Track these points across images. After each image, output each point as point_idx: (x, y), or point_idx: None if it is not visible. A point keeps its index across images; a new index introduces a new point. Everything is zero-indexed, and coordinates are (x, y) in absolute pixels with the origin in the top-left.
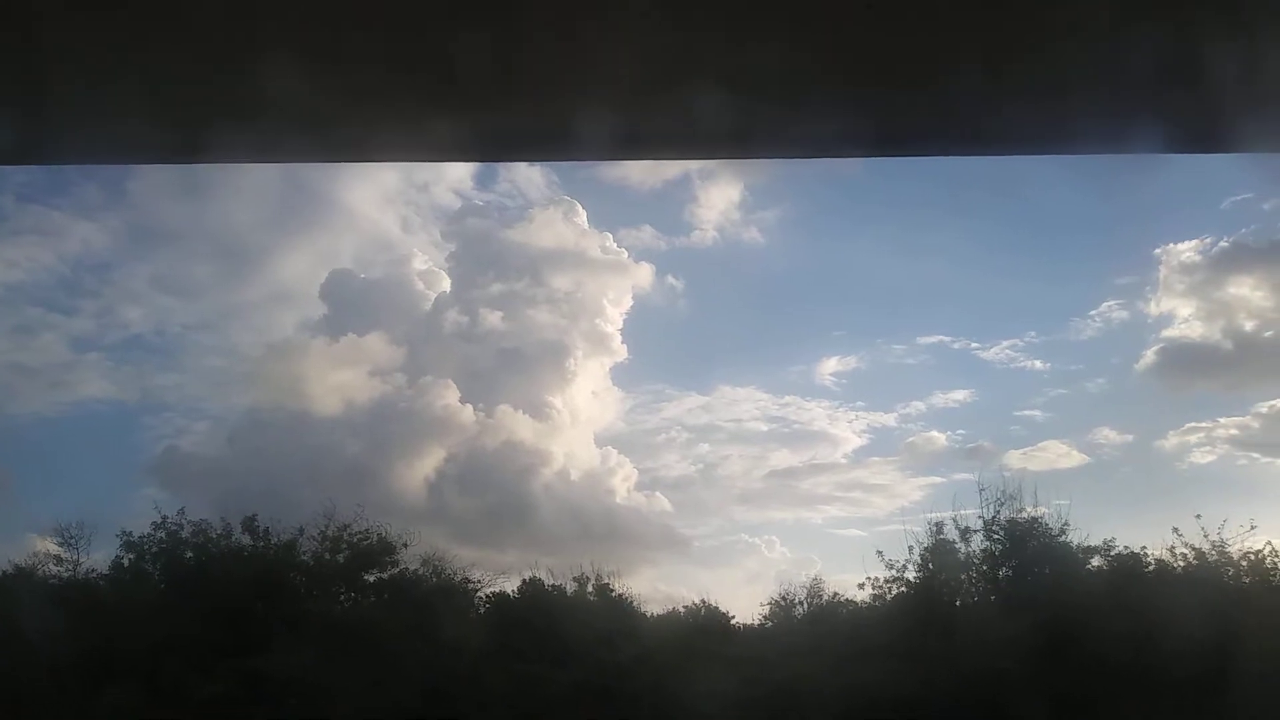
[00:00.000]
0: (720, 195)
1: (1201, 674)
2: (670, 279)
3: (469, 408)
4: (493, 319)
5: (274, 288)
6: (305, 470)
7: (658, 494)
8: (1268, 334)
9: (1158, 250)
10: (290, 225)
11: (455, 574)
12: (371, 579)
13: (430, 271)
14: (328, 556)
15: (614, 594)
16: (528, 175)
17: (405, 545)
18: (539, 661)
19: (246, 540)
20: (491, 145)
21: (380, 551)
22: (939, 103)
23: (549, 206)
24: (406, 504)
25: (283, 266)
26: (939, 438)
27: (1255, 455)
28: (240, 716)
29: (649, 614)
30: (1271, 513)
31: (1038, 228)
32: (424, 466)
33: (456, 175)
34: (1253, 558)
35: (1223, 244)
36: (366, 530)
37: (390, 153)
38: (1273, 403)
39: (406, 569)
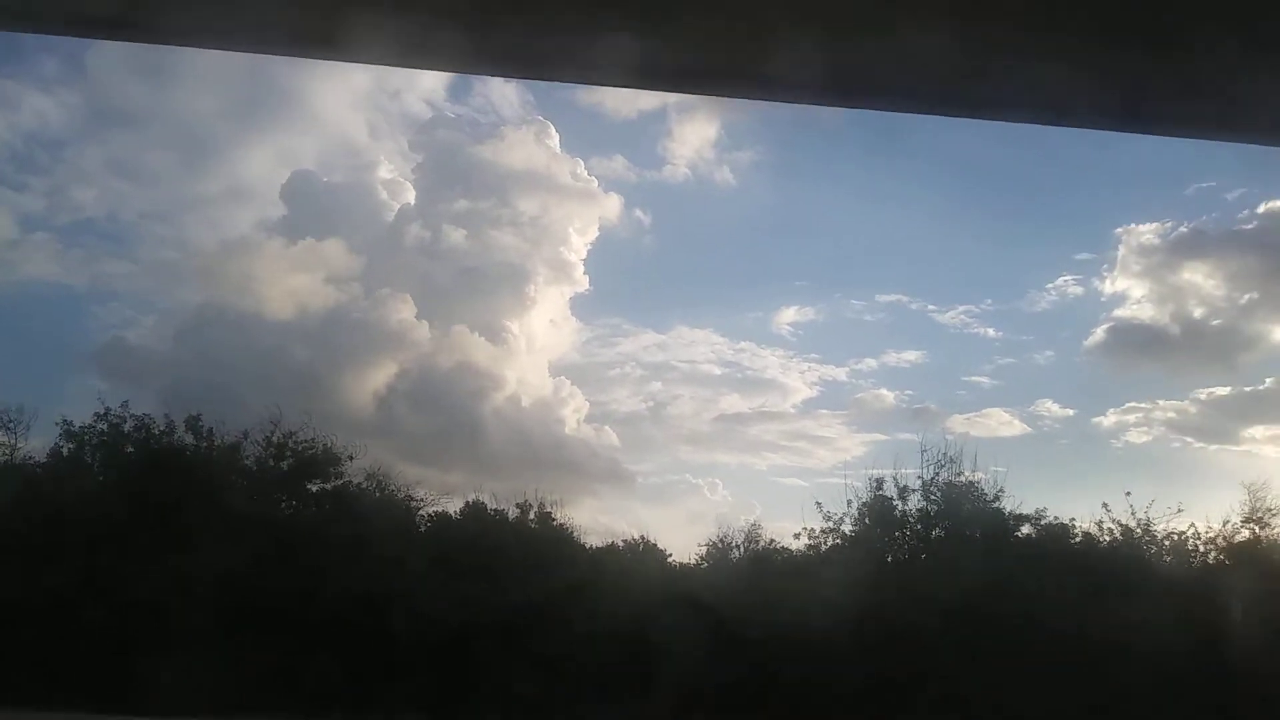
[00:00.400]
0: (696, 132)
1: (1118, 644)
2: (638, 212)
3: (425, 324)
4: (456, 236)
5: (233, 183)
6: (253, 373)
7: (607, 428)
8: (1215, 322)
9: (1119, 229)
10: (254, 119)
11: (399, 490)
12: (314, 489)
13: (395, 181)
14: (271, 463)
15: (555, 523)
16: (502, 92)
17: (351, 458)
18: (475, 582)
19: (189, 440)
20: (501, 61)
21: (325, 462)
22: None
23: (522, 126)
24: (354, 416)
25: (244, 162)
26: (888, 396)
27: (1189, 440)
28: (173, 611)
29: (588, 545)
30: (1199, 497)
31: (1008, 195)
32: (374, 380)
33: (429, 84)
34: (1175, 539)
35: (1182, 229)
36: (312, 440)
37: (369, 54)
38: (1212, 390)
39: (350, 481)
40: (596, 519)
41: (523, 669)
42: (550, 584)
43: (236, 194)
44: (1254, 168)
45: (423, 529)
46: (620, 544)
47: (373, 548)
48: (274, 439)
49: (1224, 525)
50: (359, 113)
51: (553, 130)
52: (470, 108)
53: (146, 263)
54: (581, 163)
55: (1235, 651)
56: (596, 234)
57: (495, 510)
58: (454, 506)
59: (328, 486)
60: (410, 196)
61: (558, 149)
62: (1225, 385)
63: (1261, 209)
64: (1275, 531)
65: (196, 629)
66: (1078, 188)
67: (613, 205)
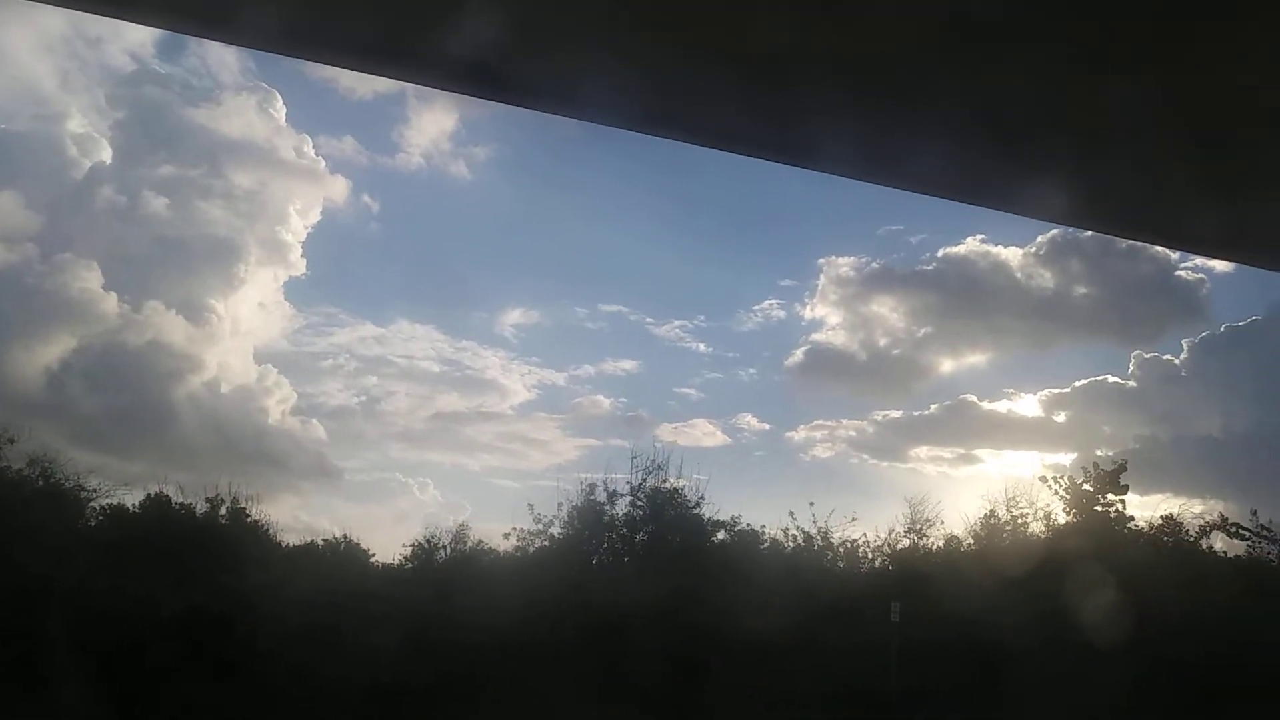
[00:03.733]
0: (434, 121)
1: (794, 644)
2: (366, 198)
3: (113, 296)
4: (156, 204)
5: None
6: None
7: (315, 421)
8: (895, 352)
9: (821, 260)
10: None
11: (67, 479)
12: None
13: (88, 137)
14: None
15: (249, 519)
16: (220, 55)
17: (11, 441)
18: (152, 581)
19: None
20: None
21: None
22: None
23: (243, 93)
24: (19, 393)
25: None
26: (603, 402)
27: (865, 456)
28: None
29: (285, 544)
30: (871, 508)
31: (727, 221)
32: (47, 354)
33: (137, 38)
34: (849, 545)
35: (874, 265)
36: None
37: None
38: (887, 412)
39: (9, 467)
40: (298, 516)
41: (202, 673)
42: (239, 584)
43: None
44: (938, 217)
45: (94, 522)
46: (320, 542)
47: (31, 542)
48: None
49: (889, 534)
50: (49, 57)
51: (279, 101)
52: (183, 68)
53: None
54: (309, 139)
55: (892, 649)
56: (319, 216)
57: (181, 504)
58: (134, 499)
59: None
60: (106, 155)
61: (283, 121)
62: (898, 409)
63: (940, 253)
64: (930, 541)
65: None
66: (790, 220)
67: (339, 187)
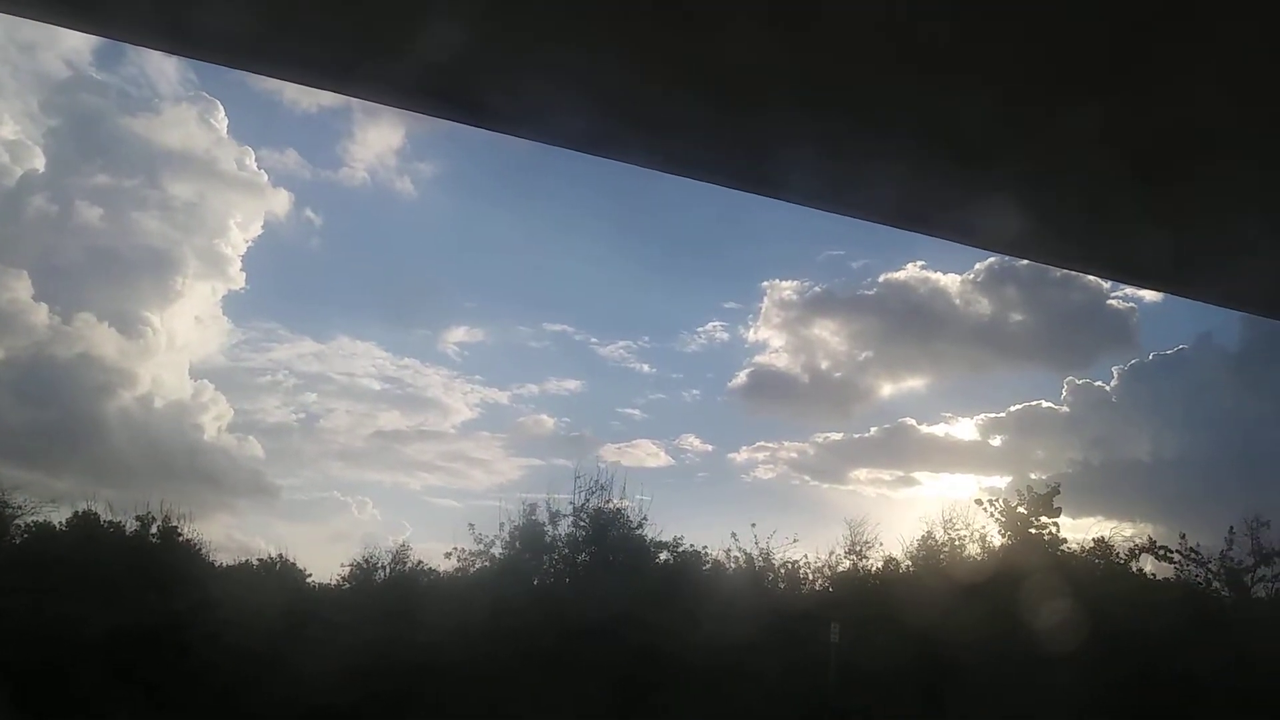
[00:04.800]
0: (380, 137)
1: (734, 665)
2: (309, 212)
3: (43, 308)
4: (90, 213)
5: None
6: None
7: (251, 438)
8: (836, 375)
9: (765, 284)
10: None
11: None
12: None
13: (20, 143)
14: None
15: (180, 538)
16: (160, 65)
17: None
18: (77, 601)
19: None
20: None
21: None
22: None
23: (183, 103)
24: None
25: None
26: (547, 421)
27: (807, 478)
28: None
29: (218, 563)
30: (812, 529)
31: (674, 243)
32: None
33: (73, 44)
34: (790, 566)
35: (816, 289)
36: None
37: None
38: (827, 435)
39: None
40: (233, 535)
41: (131, 696)
42: (170, 604)
43: None
44: (879, 244)
45: (18, 540)
46: (255, 562)
47: None
48: None
49: (830, 555)
50: None
51: (221, 112)
52: (121, 76)
53: None
54: (251, 152)
55: (830, 669)
56: (260, 230)
57: (110, 522)
58: (61, 516)
59: None
60: (38, 162)
61: (225, 133)
62: (839, 431)
63: (881, 279)
64: (870, 562)
65: None
66: (735, 243)
67: (281, 201)
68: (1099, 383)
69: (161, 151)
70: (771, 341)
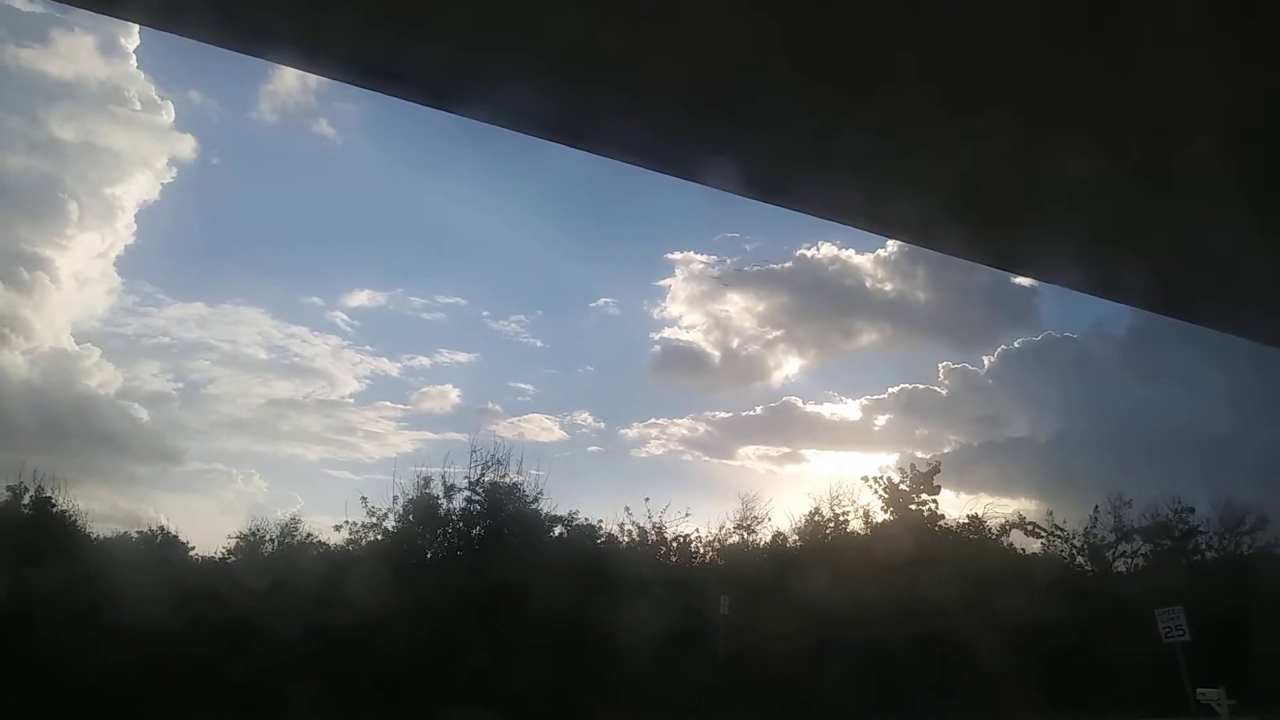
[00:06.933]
0: (296, 75)
1: (628, 636)
2: (215, 160)
3: None
4: None
5: None
6: None
7: (137, 405)
8: (743, 353)
9: (671, 256)
10: None
11: None
12: None
13: None
14: None
15: (55, 509)
16: None
17: None
18: None
19: None
20: None
21: None
22: None
23: (80, 30)
24: None
25: None
26: (439, 394)
27: (699, 454)
28: None
29: (96, 535)
30: (703, 504)
31: (578, 217)
32: None
33: None
34: (682, 540)
35: (726, 263)
36: None
37: None
38: (715, 412)
39: None
40: (115, 505)
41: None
42: (43, 579)
43: None
44: (783, 226)
45: None
46: (134, 535)
47: None
48: None
49: (720, 530)
50: None
51: (124, 44)
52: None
53: None
54: (154, 87)
55: (716, 638)
56: (157, 180)
57: None
58: None
59: None
60: None
61: (134, 68)
62: (728, 410)
63: (792, 257)
64: (759, 536)
65: None
66: (647, 221)
67: (185, 146)
68: (973, 367)
69: (56, 85)
70: (684, 317)
